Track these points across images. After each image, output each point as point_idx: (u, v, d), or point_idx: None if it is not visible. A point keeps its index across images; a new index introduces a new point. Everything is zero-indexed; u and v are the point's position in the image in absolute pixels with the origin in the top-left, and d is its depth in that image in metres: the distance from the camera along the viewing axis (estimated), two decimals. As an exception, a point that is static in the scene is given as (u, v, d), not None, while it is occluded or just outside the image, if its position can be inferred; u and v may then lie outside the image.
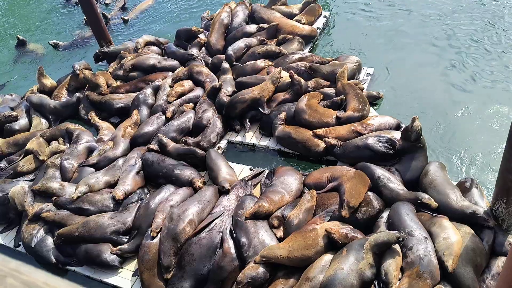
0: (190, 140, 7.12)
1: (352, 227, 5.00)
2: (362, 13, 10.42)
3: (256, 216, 5.31)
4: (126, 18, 12.56)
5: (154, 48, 9.86)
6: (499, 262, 4.59)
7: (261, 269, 4.76)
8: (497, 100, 7.30)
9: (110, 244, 5.73)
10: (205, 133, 7.21)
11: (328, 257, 4.71)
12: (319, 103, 7.16)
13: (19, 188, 6.63)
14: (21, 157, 7.56)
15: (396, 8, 10.30)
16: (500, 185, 4.69)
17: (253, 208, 5.34)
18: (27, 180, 7.09)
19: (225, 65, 8.52)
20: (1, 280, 0.93)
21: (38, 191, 6.54)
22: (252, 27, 9.48)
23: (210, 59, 9.12)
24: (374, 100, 7.49)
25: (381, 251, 4.57)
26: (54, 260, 5.91)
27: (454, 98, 7.50)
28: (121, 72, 9.19)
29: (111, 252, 5.63)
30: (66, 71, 10.29)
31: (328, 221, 5.17)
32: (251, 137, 7.41)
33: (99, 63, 10.53)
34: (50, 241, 6.06)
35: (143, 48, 9.75)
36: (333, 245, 4.83)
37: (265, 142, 7.27)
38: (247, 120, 7.48)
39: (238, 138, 7.45)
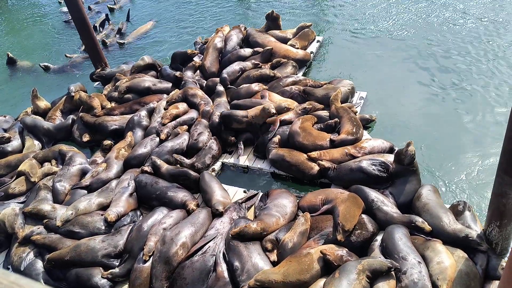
0: (186, 161, 7.09)
1: (347, 250, 4.98)
2: (355, 38, 10.63)
3: (241, 236, 5.25)
4: (122, 42, 12.69)
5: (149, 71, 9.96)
6: (493, 287, 4.57)
7: (255, 294, 4.69)
8: (490, 124, 7.41)
9: (101, 268, 5.63)
10: (200, 155, 7.21)
11: (322, 282, 4.66)
12: (313, 126, 7.22)
13: (10, 210, 6.54)
14: (13, 178, 7.49)
15: (388, 34, 10.54)
16: (493, 208, 4.71)
17: (239, 227, 5.30)
18: (18, 202, 7.01)
19: (220, 88, 8.60)
20: None
21: (29, 214, 6.46)
22: (247, 51, 9.62)
23: (205, 82, 9.21)
24: (367, 123, 7.57)
25: (374, 276, 4.54)
26: (43, 283, 5.79)
27: (446, 121, 7.60)
28: (115, 94, 9.24)
29: (102, 276, 5.52)
30: (58, 93, 10.32)
31: (323, 244, 5.14)
32: (245, 159, 7.42)
33: (95, 84, 10.60)
34: (40, 264, 5.95)
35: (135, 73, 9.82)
36: (329, 269, 4.79)
37: (259, 165, 7.27)
38: (241, 142, 7.49)
39: (232, 160, 7.46)
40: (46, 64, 11.99)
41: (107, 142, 7.97)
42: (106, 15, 14.25)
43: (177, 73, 9.29)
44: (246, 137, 7.53)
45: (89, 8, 15.53)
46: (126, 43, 12.75)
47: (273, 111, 7.18)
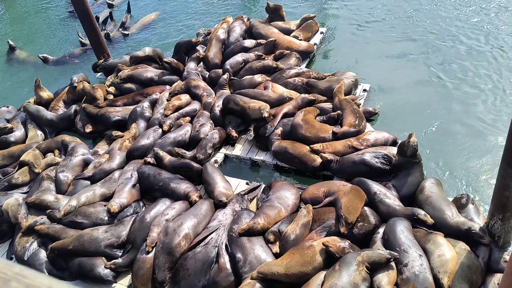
0: (187, 153, 7.10)
1: (350, 242, 4.99)
2: (358, 30, 10.56)
3: (250, 232, 5.26)
4: (126, 32, 12.62)
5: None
6: (495, 279, 4.57)
7: (257, 286, 4.71)
8: (493, 117, 7.37)
9: (104, 258, 5.66)
10: (201, 145, 7.20)
11: (323, 275, 4.68)
12: (315, 118, 7.20)
13: (13, 201, 6.57)
14: (16, 169, 7.51)
15: (392, 26, 10.46)
16: (496, 201, 4.70)
17: (247, 224, 5.30)
18: (21, 193, 7.03)
19: (223, 79, 8.54)
20: (5, 284, 0.93)
21: (32, 204, 6.49)
22: (250, 42, 9.57)
23: (208, 73, 9.18)
24: (370, 116, 7.54)
25: (373, 268, 4.56)
26: (47, 274, 5.82)
27: (450, 114, 7.57)
28: (116, 79, 9.13)
29: (105, 266, 5.55)
30: (57, 84, 10.30)
31: (325, 236, 5.15)
32: (247, 151, 7.41)
33: (98, 75, 10.58)
34: (43, 254, 5.98)
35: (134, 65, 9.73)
36: (331, 261, 4.80)
37: (261, 157, 7.27)
38: (252, 126, 7.40)
39: (234, 152, 7.46)
40: (45, 55, 11.91)
41: (117, 132, 7.94)
42: (110, 13, 13.86)
43: (167, 59, 9.22)
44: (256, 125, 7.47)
45: None
46: (130, 34, 12.68)
47: (266, 114, 7.15)
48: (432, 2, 11.11)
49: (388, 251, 4.65)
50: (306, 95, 7.58)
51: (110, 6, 14.63)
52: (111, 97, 9.04)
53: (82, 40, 12.27)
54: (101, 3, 15.11)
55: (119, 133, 7.91)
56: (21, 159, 7.49)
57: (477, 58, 8.81)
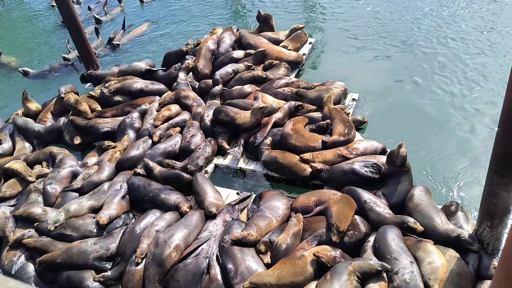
0: (178, 164, 7.08)
1: (341, 251, 4.99)
2: (347, 40, 10.68)
3: (242, 243, 5.25)
4: (116, 43, 12.57)
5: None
6: (485, 286, 4.61)
7: (249, 296, 4.68)
8: (481, 125, 7.47)
9: (92, 271, 5.57)
10: (193, 157, 7.18)
11: (315, 285, 4.67)
12: (304, 127, 7.23)
13: (0, 214, 6.48)
14: (1, 179, 7.41)
15: (381, 36, 10.60)
16: (484, 209, 4.75)
17: (242, 234, 5.28)
18: (9, 205, 6.92)
19: (214, 90, 8.55)
20: None
21: (20, 217, 6.40)
22: (239, 53, 9.62)
23: (197, 83, 9.19)
24: (359, 125, 7.59)
25: (364, 277, 4.56)
26: (39, 288, 5.74)
27: (438, 122, 7.66)
28: (105, 90, 9.08)
29: (93, 279, 5.47)
30: (47, 94, 10.24)
31: (316, 245, 5.15)
32: (238, 161, 7.41)
33: (87, 86, 10.51)
34: (31, 268, 5.88)
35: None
36: (323, 271, 4.79)
37: (252, 166, 7.27)
38: (242, 141, 7.44)
39: (225, 162, 7.44)
40: (25, 69, 11.76)
41: (109, 142, 7.83)
42: (96, 28, 13.53)
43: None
44: (245, 138, 7.49)
45: (89, 8, 15.29)
46: (121, 44, 12.65)
47: (263, 105, 7.36)
48: (423, 13, 11.28)
49: (380, 262, 4.65)
50: (293, 102, 7.66)
51: (98, 21, 14.34)
52: (98, 107, 8.97)
53: (64, 55, 12.06)
54: (93, 15, 14.89)
55: (111, 143, 7.84)
56: (5, 166, 7.35)
57: (467, 66, 8.95)
